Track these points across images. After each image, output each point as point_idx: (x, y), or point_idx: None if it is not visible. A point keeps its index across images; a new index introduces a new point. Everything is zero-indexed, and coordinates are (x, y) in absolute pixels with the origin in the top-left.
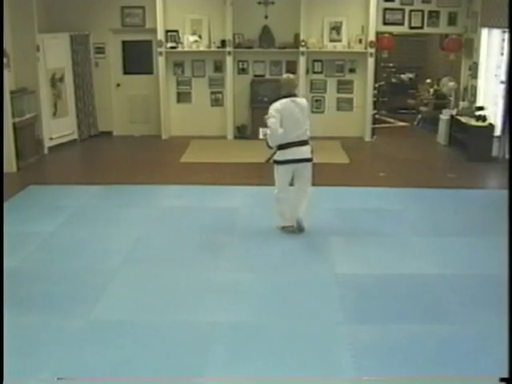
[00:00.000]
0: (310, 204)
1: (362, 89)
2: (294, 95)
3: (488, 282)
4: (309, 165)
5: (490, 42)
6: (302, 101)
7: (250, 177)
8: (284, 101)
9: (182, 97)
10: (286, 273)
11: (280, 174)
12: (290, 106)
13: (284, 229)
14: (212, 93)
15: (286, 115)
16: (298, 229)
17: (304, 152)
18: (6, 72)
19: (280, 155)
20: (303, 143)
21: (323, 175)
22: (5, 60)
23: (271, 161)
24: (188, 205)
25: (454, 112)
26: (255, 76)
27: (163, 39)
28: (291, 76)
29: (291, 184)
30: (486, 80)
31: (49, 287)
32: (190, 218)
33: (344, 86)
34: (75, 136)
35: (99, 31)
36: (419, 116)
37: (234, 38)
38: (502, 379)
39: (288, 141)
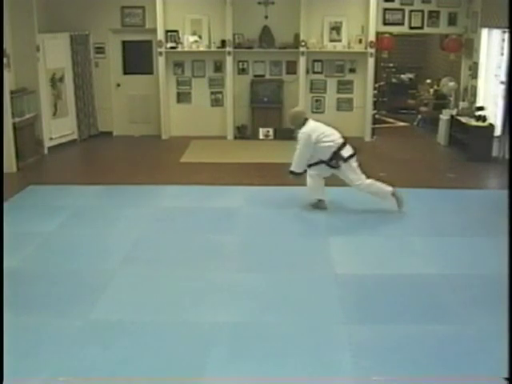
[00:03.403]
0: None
1: (362, 89)
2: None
3: (488, 282)
4: None
5: (490, 42)
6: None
7: (250, 177)
8: None
9: (182, 97)
10: (286, 273)
11: None
12: None
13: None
14: (212, 93)
15: None
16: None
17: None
18: (6, 72)
19: None
20: None
21: None
22: (5, 60)
23: None
24: (188, 205)
25: (454, 112)
26: (255, 76)
27: (163, 39)
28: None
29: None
30: (486, 80)
31: (49, 287)
32: (190, 218)
33: (344, 86)
34: (75, 136)
35: (99, 31)
36: (419, 116)
37: (233, 38)
38: (507, 379)
39: None
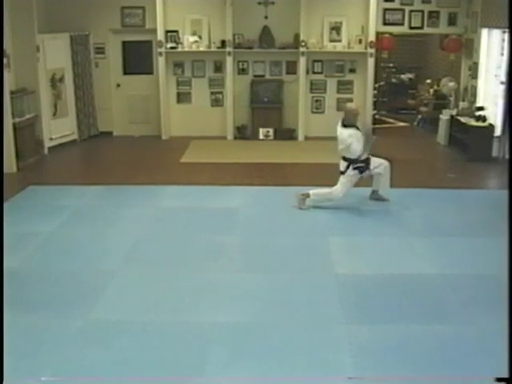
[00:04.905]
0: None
1: (362, 89)
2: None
3: (488, 282)
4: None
5: (490, 42)
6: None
7: (250, 177)
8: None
9: (182, 97)
10: (286, 273)
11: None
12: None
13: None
14: (212, 93)
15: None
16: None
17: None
18: (6, 72)
19: None
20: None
21: (323, 175)
22: (5, 60)
23: None
24: (188, 205)
25: (454, 112)
26: (255, 76)
27: (163, 39)
28: (352, 106)
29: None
30: (485, 80)
31: (49, 287)
32: (190, 218)
33: (344, 86)
34: (75, 136)
35: (99, 31)
36: (419, 116)
37: (233, 38)
38: (500, 379)
39: None
